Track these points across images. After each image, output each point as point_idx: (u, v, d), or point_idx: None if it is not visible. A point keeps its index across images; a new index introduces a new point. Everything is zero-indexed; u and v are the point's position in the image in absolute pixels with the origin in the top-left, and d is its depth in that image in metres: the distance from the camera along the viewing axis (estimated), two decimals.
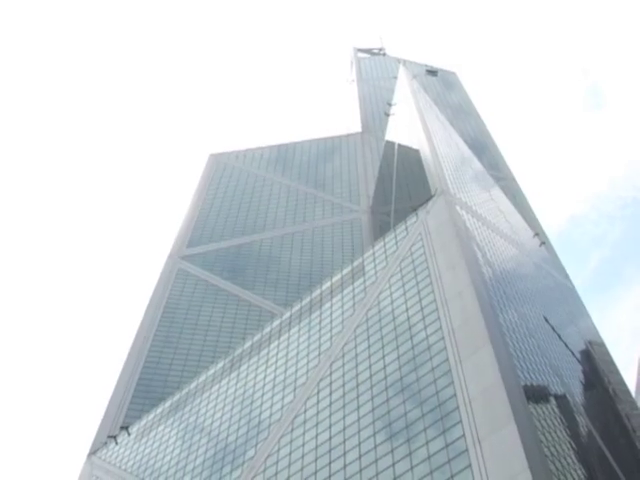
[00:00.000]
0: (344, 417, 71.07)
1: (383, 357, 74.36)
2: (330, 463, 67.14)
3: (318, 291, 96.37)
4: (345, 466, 65.42)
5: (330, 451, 68.45)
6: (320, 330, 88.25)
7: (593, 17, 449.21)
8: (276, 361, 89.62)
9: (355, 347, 79.64)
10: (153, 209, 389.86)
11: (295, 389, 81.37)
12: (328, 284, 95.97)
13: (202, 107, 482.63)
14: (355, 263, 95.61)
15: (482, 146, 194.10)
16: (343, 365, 78.54)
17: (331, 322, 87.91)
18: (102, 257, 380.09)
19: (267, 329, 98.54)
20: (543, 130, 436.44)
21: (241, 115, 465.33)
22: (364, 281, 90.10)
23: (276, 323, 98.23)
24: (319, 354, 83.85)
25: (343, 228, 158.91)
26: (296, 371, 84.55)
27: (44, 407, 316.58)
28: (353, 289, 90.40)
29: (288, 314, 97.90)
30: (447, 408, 62.10)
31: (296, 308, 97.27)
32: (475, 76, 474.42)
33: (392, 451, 62.93)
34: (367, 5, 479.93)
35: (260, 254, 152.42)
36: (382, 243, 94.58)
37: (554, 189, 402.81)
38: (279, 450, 74.66)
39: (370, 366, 74.79)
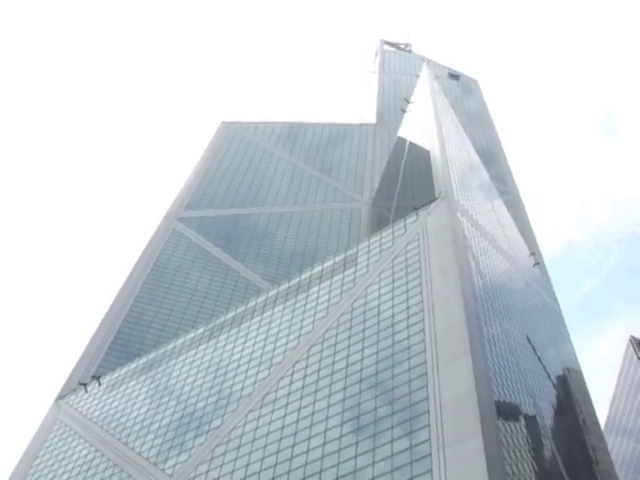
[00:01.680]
0: (314, 402, 70.97)
1: (362, 349, 74.21)
2: (293, 445, 67.07)
3: (308, 274, 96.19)
4: (308, 450, 65.35)
5: (295, 433, 68.38)
6: (304, 312, 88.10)
7: (616, 45, 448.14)
8: (256, 336, 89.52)
9: (336, 335, 79.49)
10: (163, 170, 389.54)
11: (270, 367, 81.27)
12: (319, 268, 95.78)
13: (225, 77, 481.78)
14: (349, 252, 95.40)
15: (492, 157, 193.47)
16: (321, 351, 78.39)
17: (316, 306, 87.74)
18: (106, 209, 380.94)
19: (252, 303, 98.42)
20: (554, 150, 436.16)
21: (260, 89, 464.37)
22: (355, 271, 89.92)
23: (261, 298, 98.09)
24: (299, 336, 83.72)
25: (342, 215, 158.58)
26: (274, 349, 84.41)
27: (21, 346, 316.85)
28: (343, 277, 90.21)
29: (275, 291, 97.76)
30: (417, 410, 61.98)
31: (283, 287, 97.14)
32: (496, 86, 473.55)
33: (356, 444, 62.83)
34: (401, 1, 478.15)
35: (256, 228, 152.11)
36: (379, 237, 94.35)
37: (556, 211, 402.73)
38: (245, 424, 74.57)
39: (348, 356, 74.64)
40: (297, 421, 70.02)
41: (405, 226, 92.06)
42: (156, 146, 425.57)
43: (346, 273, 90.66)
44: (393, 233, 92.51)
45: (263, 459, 68.12)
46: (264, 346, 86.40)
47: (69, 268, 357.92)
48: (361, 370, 71.45)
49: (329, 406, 69.30)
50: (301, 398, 72.97)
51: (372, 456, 60.56)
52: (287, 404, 73.45)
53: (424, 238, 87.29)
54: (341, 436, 64.81)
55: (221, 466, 71.13)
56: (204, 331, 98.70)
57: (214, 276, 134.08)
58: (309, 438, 66.70)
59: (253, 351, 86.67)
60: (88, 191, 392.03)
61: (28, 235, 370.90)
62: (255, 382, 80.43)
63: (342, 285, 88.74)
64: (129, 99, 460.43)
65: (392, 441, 60.73)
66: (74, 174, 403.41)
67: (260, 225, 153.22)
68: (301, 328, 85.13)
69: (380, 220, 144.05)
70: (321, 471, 62.35)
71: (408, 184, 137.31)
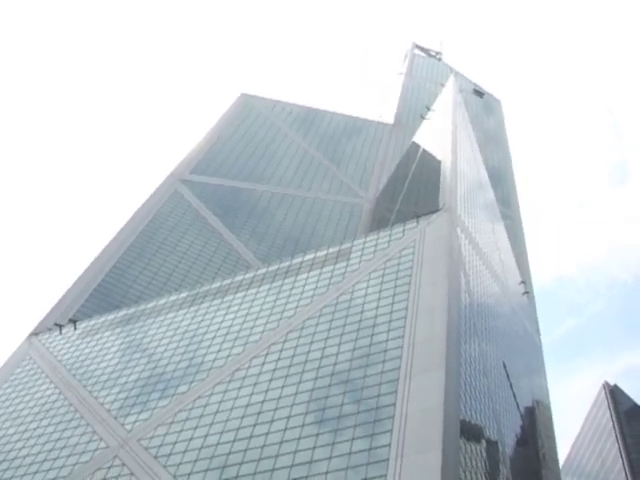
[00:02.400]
0: (283, 387, 71.12)
1: (339, 344, 74.32)
2: (255, 425, 67.24)
3: (299, 259, 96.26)
4: (268, 433, 65.51)
5: (259, 414, 68.53)
6: (288, 297, 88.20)
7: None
8: (237, 311, 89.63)
9: (316, 325, 79.58)
10: (181, 133, 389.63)
11: (246, 344, 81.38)
12: (311, 256, 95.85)
13: (255, 52, 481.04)
14: (343, 246, 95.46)
15: (501, 179, 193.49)
16: (299, 338, 78.50)
17: (301, 293, 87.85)
18: (120, 159, 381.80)
19: (239, 277, 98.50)
20: (564, 183, 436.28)
21: (287, 68, 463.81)
22: (346, 266, 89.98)
23: (249, 275, 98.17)
24: (280, 319, 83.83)
25: (343, 209, 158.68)
26: (252, 327, 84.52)
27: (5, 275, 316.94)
28: (333, 270, 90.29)
29: (263, 270, 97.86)
30: (382, 414, 62.11)
31: (273, 267, 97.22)
32: (520, 107, 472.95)
33: (317, 435, 62.98)
34: (440, 8, 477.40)
35: (257, 204, 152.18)
36: (375, 236, 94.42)
37: (554, 243, 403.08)
38: (211, 395, 74.71)
39: (324, 348, 74.75)
40: (262, 402, 70.16)
41: (404, 231, 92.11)
42: (180, 109, 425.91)
43: (337, 266, 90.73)
44: (390, 235, 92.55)
45: (222, 433, 68.30)
46: (243, 322, 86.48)
47: (70, 206, 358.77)
48: (334, 364, 71.58)
49: (296, 393, 69.45)
50: (270, 380, 73.11)
51: (330, 450, 60.71)
52: (256, 383, 73.60)
53: (420, 246, 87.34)
54: (303, 425, 64.96)
55: (180, 432, 71.29)
56: (187, 296, 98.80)
57: (206, 244, 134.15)
58: (271, 421, 66.85)
59: (232, 325, 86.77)
60: (106, 141, 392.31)
61: (33, 169, 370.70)
62: (228, 356, 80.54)
63: (331, 277, 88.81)
64: (169, 64, 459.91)
65: (352, 440, 60.88)
66: (95, 125, 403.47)
67: (261, 202, 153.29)
68: (283, 312, 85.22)
69: (380, 220, 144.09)
70: (277, 455, 62.50)
71: (414, 190, 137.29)
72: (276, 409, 68.34)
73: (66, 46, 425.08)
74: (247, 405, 70.68)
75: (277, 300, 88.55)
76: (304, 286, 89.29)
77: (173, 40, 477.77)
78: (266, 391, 71.57)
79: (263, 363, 76.56)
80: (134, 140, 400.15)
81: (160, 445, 70.86)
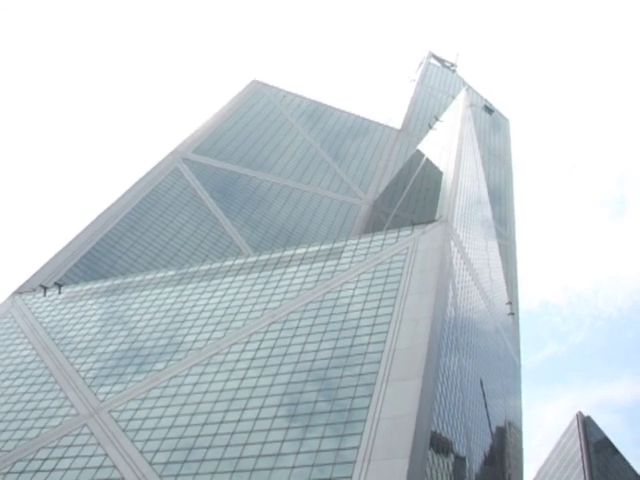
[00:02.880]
0: (259, 377, 71.16)
1: (320, 341, 74.36)
2: (226, 411, 67.25)
3: (291, 252, 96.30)
4: (238, 420, 65.53)
5: (232, 400, 68.56)
6: (275, 288, 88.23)
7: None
8: (222, 295, 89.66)
9: (299, 319, 79.64)
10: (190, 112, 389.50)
11: (227, 329, 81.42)
12: (302, 250, 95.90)
13: (270, 40, 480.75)
14: (336, 244, 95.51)
15: (500, 197, 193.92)
16: (281, 330, 78.53)
17: (289, 286, 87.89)
18: (126, 130, 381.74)
19: (228, 262, 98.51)
20: (561, 210, 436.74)
21: (300, 59, 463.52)
22: (336, 265, 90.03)
23: (239, 261, 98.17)
24: (264, 309, 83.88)
25: (340, 207, 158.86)
26: (236, 313, 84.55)
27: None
28: (323, 267, 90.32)
29: (254, 258, 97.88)
30: (355, 416, 62.16)
31: (263, 257, 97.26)
32: (526, 129, 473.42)
33: (287, 429, 63.01)
34: (461, 21, 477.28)
35: (255, 192, 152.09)
36: (369, 239, 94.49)
37: (543, 268, 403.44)
38: (186, 376, 74.76)
39: (304, 343, 74.79)
40: (237, 389, 70.17)
41: (397, 237, 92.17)
42: (200, 92, 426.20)
43: (327, 263, 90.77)
44: (384, 240, 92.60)
45: (194, 414, 68.32)
46: (227, 308, 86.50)
47: (74, 170, 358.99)
48: (313, 361, 71.62)
49: (272, 385, 69.48)
50: (247, 369, 73.14)
51: (298, 445, 60.74)
52: (232, 370, 73.64)
53: (412, 254, 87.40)
54: (274, 417, 64.96)
55: (151, 408, 71.31)
56: (174, 275, 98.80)
57: (200, 225, 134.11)
58: (243, 409, 66.86)
59: (215, 309, 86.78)
60: (124, 116, 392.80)
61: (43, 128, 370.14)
62: (208, 339, 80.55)
63: (320, 274, 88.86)
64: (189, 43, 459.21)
65: (322, 437, 60.93)
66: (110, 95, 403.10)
67: (260, 190, 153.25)
68: (268, 302, 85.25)
69: (375, 223, 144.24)
70: (245, 444, 62.50)
71: (413, 198, 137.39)
72: (250, 398, 68.34)
73: (81, 25, 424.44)
74: (221, 390, 70.68)
75: (264, 290, 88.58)
76: (292, 279, 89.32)
77: (199, 24, 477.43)
78: (242, 379, 71.57)
79: (242, 351, 76.59)
80: (152, 118, 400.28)
81: (130, 419, 70.84)
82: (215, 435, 64.79)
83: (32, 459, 69.01)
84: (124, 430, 69.42)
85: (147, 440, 67.09)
